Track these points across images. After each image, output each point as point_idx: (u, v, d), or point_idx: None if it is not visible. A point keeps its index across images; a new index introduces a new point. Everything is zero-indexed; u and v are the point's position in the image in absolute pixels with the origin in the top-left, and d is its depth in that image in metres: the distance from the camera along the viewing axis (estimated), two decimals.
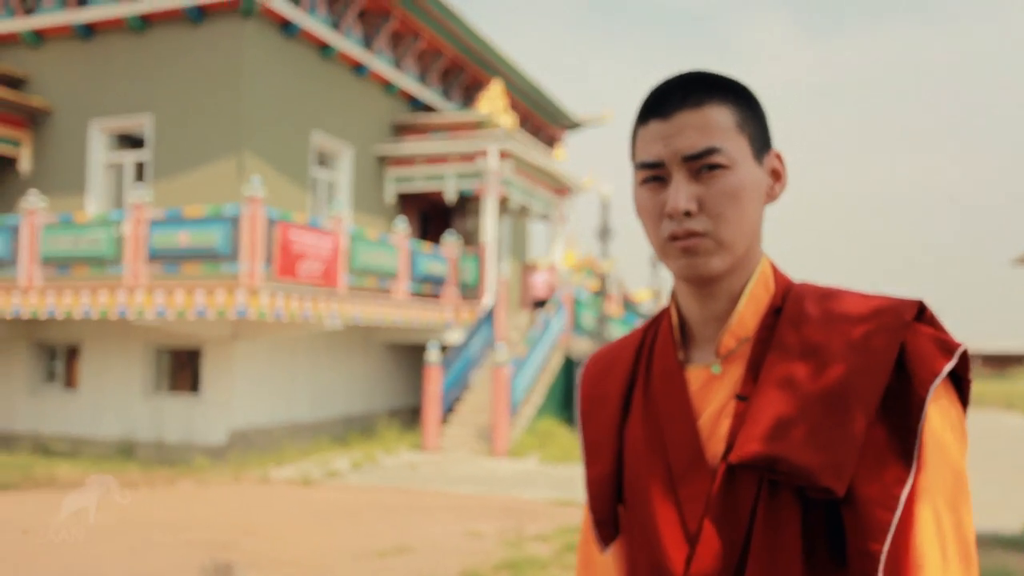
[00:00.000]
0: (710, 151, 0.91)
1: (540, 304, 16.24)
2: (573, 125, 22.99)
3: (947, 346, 0.86)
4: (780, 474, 0.85)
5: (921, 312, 0.89)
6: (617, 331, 15.43)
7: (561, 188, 18.87)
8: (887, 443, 0.84)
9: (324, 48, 13.73)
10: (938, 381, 0.84)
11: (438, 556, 6.35)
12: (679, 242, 0.92)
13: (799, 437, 0.85)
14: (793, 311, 0.94)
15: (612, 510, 1.01)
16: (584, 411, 1.09)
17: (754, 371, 0.93)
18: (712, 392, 0.96)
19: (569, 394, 14.59)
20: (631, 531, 1.00)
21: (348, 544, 6.72)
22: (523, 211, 18.02)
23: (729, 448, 0.90)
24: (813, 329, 0.91)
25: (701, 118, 0.92)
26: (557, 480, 10.10)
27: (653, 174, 0.94)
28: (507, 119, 16.79)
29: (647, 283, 24.78)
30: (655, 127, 0.94)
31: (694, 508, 0.91)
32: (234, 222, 10.20)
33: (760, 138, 0.96)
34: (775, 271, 0.99)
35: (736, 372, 0.95)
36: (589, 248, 26.47)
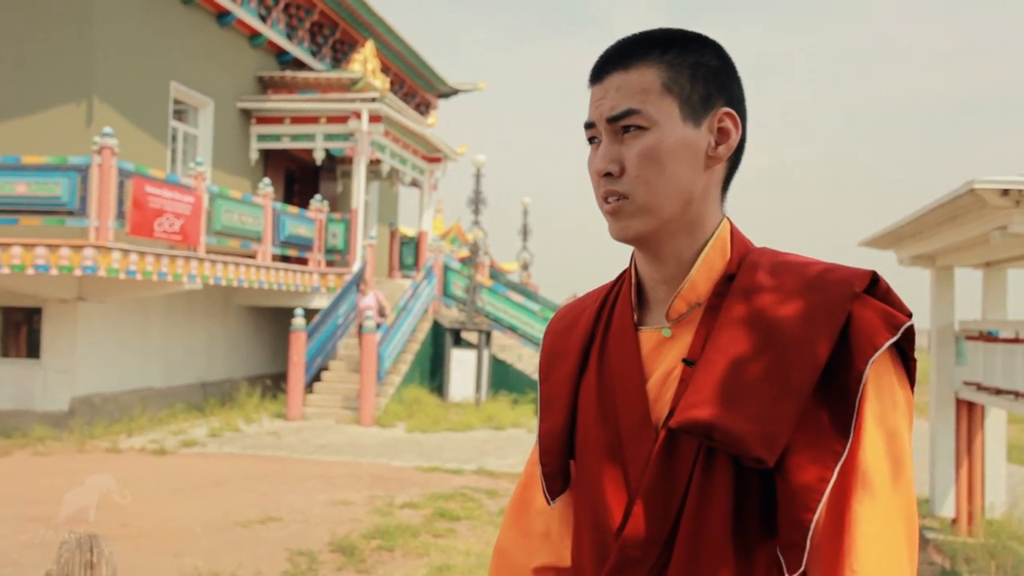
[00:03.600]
0: (628, 112, 0.92)
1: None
2: (447, 92, 22.74)
3: (893, 320, 0.85)
4: (715, 441, 0.85)
5: (874, 283, 0.87)
6: (488, 299, 15.47)
7: (433, 155, 18.66)
8: (824, 415, 0.84)
9: None
10: (877, 355, 0.83)
11: (306, 525, 6.21)
12: (607, 205, 0.94)
13: (735, 406, 0.84)
14: (745, 279, 0.92)
15: (562, 464, 1.02)
16: (544, 366, 1.09)
17: (703, 337, 0.92)
18: (662, 355, 0.95)
19: (438, 362, 14.56)
20: (578, 486, 1.00)
21: (209, 515, 6.44)
22: (394, 176, 17.69)
23: (672, 412, 0.90)
24: (762, 298, 0.90)
25: (626, 80, 0.93)
26: (425, 448, 10.09)
27: (591, 134, 0.97)
28: (380, 81, 16.39)
29: (516, 255, 25.05)
30: (593, 90, 0.97)
31: (637, 469, 0.92)
32: (82, 173, 9.45)
33: (699, 97, 0.93)
34: (734, 236, 0.97)
35: (686, 337, 0.94)
36: (460, 217, 26.40)
